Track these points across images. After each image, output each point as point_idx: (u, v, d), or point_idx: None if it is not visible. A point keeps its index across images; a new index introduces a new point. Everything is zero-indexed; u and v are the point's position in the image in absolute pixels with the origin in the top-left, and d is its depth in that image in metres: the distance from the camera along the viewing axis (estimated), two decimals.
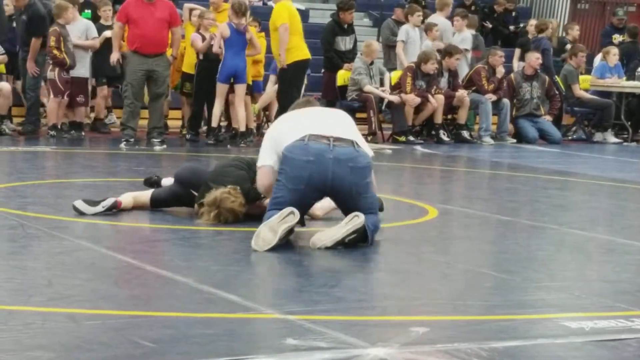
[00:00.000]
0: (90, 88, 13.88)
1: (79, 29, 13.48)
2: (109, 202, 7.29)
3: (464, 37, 16.49)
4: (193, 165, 8.76)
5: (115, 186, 8.51)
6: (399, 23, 16.78)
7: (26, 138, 12.99)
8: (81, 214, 7.21)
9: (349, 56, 15.40)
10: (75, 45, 13.21)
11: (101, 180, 9.18)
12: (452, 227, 7.98)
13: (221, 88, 13.00)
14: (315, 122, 6.72)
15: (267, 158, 6.79)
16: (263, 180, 6.83)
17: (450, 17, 16.81)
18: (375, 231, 6.63)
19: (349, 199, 6.60)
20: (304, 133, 6.59)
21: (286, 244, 6.45)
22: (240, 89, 13.01)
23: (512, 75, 16.24)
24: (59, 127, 13.07)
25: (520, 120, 15.96)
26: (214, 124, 13.20)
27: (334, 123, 6.77)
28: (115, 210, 7.30)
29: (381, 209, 7.21)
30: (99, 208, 7.25)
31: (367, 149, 6.79)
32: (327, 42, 15.46)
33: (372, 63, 14.91)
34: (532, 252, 6.93)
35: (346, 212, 6.64)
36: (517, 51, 17.65)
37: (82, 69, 13.43)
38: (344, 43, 15.54)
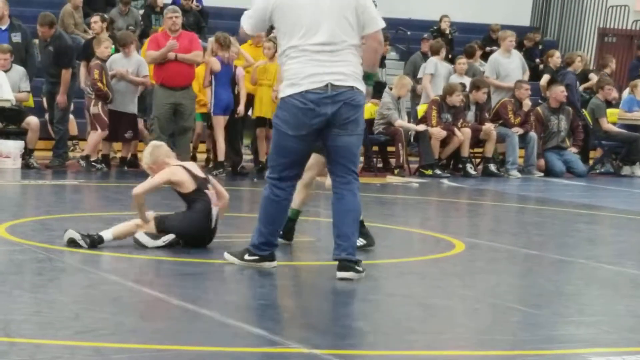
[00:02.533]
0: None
1: (132, 65, 13.55)
2: (169, 237, 7.39)
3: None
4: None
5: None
6: (427, 56, 16.83)
7: (54, 171, 13.05)
8: (142, 246, 7.31)
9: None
10: (129, 80, 13.37)
11: (128, 214, 9.19)
12: (479, 261, 7.93)
13: (220, 121, 13.24)
14: (314, 58, 6.57)
15: (247, 22, 6.79)
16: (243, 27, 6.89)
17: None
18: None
19: (345, 135, 6.55)
20: (301, 75, 6.53)
21: (312, 279, 6.44)
22: (222, 120, 13.29)
23: (539, 108, 16.19)
24: (92, 159, 13.20)
25: (547, 153, 15.90)
26: (221, 157, 13.34)
27: (333, 56, 6.59)
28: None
29: None
30: (159, 242, 7.37)
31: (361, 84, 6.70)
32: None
33: (399, 98, 14.90)
34: (561, 287, 6.89)
35: (333, 152, 6.61)
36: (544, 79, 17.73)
37: (131, 104, 13.58)
38: (382, 74, 15.67)
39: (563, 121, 15.98)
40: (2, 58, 13.31)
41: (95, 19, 15.18)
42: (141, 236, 7.39)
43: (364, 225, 7.59)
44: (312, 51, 6.58)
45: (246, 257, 6.78)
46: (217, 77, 13.06)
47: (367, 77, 7.03)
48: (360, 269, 6.55)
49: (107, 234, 7.39)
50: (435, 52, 16.40)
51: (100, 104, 13.09)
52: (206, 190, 7.51)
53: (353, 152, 6.66)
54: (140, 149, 14.45)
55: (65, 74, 13.27)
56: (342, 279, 6.48)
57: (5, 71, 13.26)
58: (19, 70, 13.48)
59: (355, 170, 6.69)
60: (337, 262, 6.57)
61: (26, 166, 13.13)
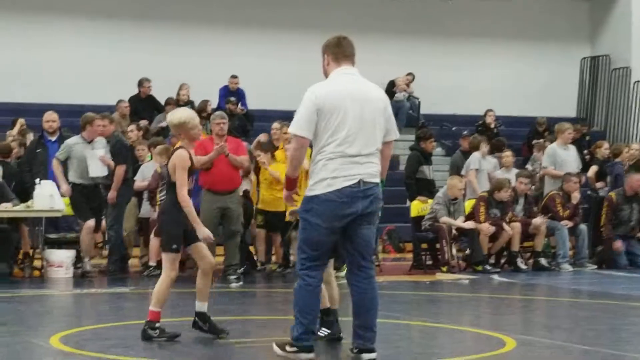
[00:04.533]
0: None
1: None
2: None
3: None
4: None
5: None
6: (466, 154, 16.88)
7: (109, 279, 13.15)
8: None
9: (435, 185, 15.64)
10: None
11: (179, 320, 9.25)
12: (531, 358, 7.86)
13: None
14: (351, 160, 6.92)
15: (304, 128, 6.95)
16: (298, 151, 7.08)
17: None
18: None
19: (366, 226, 7.00)
20: (338, 175, 6.89)
21: None
22: None
23: (612, 194, 15.97)
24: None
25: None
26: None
27: (366, 157, 6.96)
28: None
29: None
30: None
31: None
32: (412, 171, 15.59)
33: (455, 199, 14.92)
34: None
35: (354, 243, 7.00)
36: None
37: None
38: (429, 172, 15.73)
39: (635, 211, 15.83)
40: (102, 124, 13.46)
41: (131, 127, 15.61)
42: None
43: (332, 313, 8.02)
44: (348, 155, 6.93)
45: (287, 348, 7.09)
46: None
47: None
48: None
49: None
50: (475, 147, 16.47)
51: None
52: None
53: (371, 242, 7.13)
54: None
55: (119, 170, 13.48)
56: None
57: (89, 142, 13.32)
58: (100, 141, 13.46)
59: (372, 260, 7.16)
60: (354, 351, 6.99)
61: (80, 275, 13.23)
